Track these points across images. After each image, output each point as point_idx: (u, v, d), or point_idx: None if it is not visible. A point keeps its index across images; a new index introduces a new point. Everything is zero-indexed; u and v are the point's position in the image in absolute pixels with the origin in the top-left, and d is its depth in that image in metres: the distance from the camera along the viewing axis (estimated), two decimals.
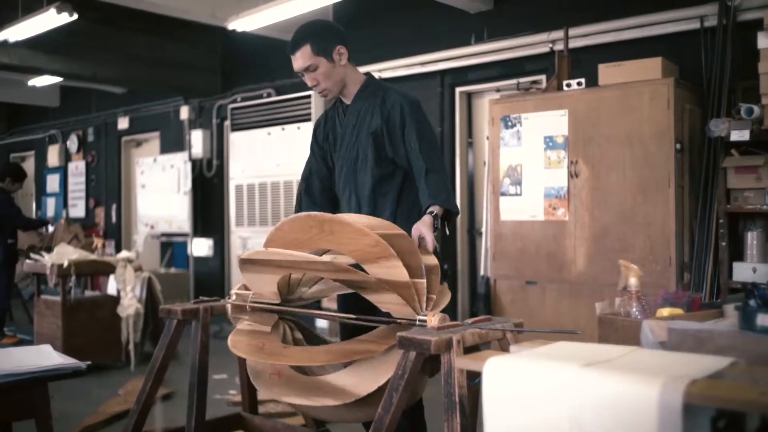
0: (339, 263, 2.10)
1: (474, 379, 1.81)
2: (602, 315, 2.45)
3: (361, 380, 2.05)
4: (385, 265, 2.03)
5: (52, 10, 6.06)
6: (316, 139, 3.18)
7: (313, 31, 2.91)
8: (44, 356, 2.33)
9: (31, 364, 2.22)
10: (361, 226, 2.09)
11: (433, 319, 1.93)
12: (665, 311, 2.11)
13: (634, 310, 2.35)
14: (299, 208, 3.05)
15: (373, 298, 2.08)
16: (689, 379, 1.22)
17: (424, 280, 2.08)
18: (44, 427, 2.23)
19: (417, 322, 2.01)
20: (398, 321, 2.07)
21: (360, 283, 2.05)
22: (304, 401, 2.11)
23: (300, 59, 2.88)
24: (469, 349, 1.90)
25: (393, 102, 2.90)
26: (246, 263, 2.24)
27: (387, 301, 2.06)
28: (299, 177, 7.42)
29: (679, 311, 2.10)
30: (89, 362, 2.38)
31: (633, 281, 2.40)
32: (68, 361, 2.29)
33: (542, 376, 1.36)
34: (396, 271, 2.03)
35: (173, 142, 9.23)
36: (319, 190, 3.09)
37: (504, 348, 1.96)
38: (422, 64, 6.63)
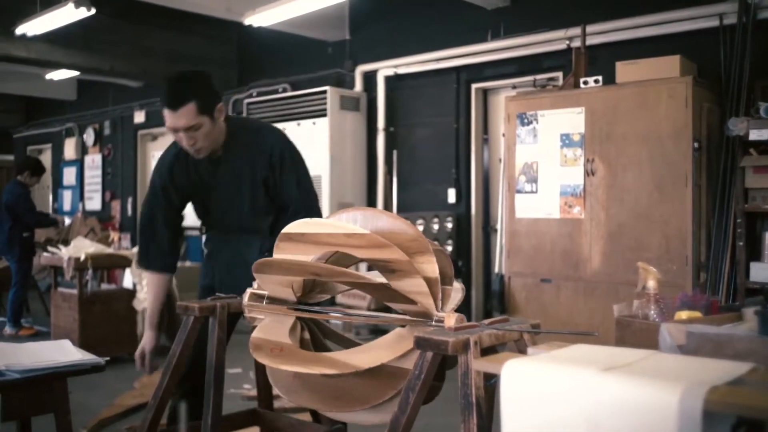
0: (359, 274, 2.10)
1: (490, 379, 1.81)
2: (620, 317, 2.44)
3: (365, 357, 2.07)
4: (420, 260, 2.04)
5: (70, 5, 6.09)
6: (172, 179, 2.95)
7: (197, 89, 2.70)
8: (63, 351, 2.35)
9: (50, 359, 2.24)
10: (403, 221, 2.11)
11: (451, 319, 1.93)
12: (683, 314, 2.10)
13: (652, 312, 2.34)
14: (145, 255, 3.00)
15: (398, 284, 2.06)
16: (709, 385, 1.21)
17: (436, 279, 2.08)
18: (63, 422, 2.25)
19: (434, 322, 2.01)
20: (413, 320, 2.07)
21: (390, 266, 2.04)
22: (303, 369, 2.12)
23: (183, 118, 2.65)
24: (486, 350, 1.90)
25: (272, 146, 2.88)
26: (263, 266, 2.25)
27: (411, 290, 2.05)
28: (315, 172, 7.46)
29: (697, 314, 2.09)
30: (108, 358, 2.40)
31: (651, 284, 2.39)
32: (87, 357, 2.31)
33: (561, 379, 1.36)
34: (430, 266, 2.03)
35: None
36: (165, 234, 3.00)
37: (521, 349, 1.95)
38: (438, 60, 6.62)
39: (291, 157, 2.93)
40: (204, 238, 3.21)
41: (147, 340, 2.97)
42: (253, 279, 2.72)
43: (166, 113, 2.68)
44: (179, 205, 3.03)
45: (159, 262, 3.00)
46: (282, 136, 3.01)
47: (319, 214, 2.92)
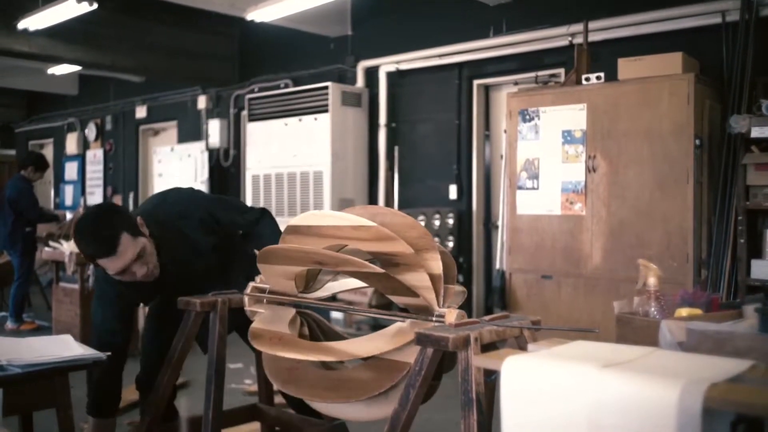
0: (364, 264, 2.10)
1: (490, 375, 1.81)
2: (620, 314, 2.45)
3: (363, 346, 2.08)
4: (425, 256, 2.05)
5: (72, 0, 6.09)
6: (120, 297, 2.79)
7: (115, 221, 2.52)
8: (65, 346, 2.36)
9: (52, 354, 2.25)
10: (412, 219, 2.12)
11: (452, 315, 1.94)
12: (684, 311, 2.11)
13: (653, 309, 2.34)
14: (99, 403, 2.77)
15: (402, 278, 2.07)
16: (709, 382, 1.22)
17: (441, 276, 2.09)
18: (64, 417, 2.26)
19: (434, 319, 2.02)
20: (414, 317, 2.08)
21: (395, 259, 2.04)
22: (301, 356, 2.13)
23: (129, 251, 2.49)
24: (486, 347, 1.91)
25: (197, 223, 2.77)
26: (267, 255, 2.26)
27: (415, 283, 2.05)
28: (316, 168, 7.36)
29: (697, 311, 2.10)
30: (109, 353, 2.40)
31: (652, 281, 2.39)
32: (89, 352, 2.32)
33: (561, 376, 1.36)
34: (434, 263, 2.04)
35: (190, 132, 9.27)
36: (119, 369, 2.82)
37: (521, 346, 1.96)
38: (440, 56, 6.61)
39: (217, 208, 2.85)
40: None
41: None
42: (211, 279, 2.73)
43: (107, 262, 2.50)
44: (129, 313, 2.90)
45: (114, 406, 2.82)
46: (194, 199, 2.89)
47: (271, 217, 2.93)
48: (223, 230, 2.86)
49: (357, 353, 2.06)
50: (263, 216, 2.92)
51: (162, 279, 2.71)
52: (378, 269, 2.03)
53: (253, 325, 2.35)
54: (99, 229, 2.50)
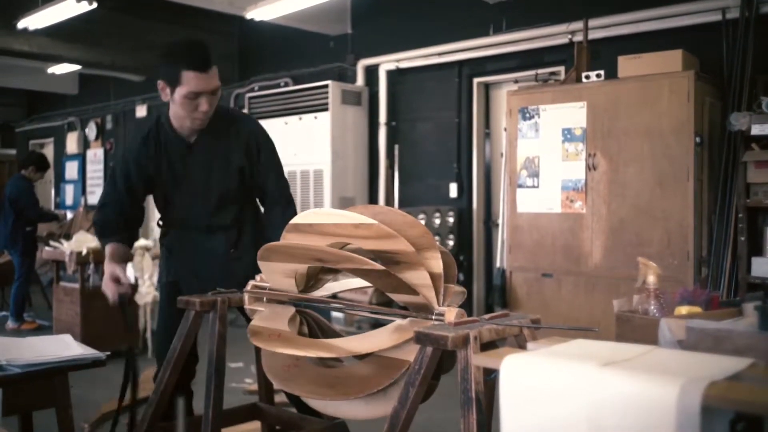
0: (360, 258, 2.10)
1: (490, 374, 1.81)
2: (620, 312, 2.44)
3: (362, 343, 2.08)
4: (426, 255, 2.05)
5: None
6: (139, 161, 2.90)
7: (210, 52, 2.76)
8: (64, 346, 2.36)
9: (51, 354, 2.24)
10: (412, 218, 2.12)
11: (451, 314, 1.94)
12: (683, 309, 2.10)
13: (652, 307, 2.34)
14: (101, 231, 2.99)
15: (403, 275, 2.07)
16: (708, 381, 1.21)
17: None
18: (64, 416, 2.26)
19: (434, 317, 2.01)
20: (414, 315, 2.07)
21: (396, 257, 2.04)
22: (299, 352, 2.12)
23: (213, 79, 2.72)
24: (486, 345, 1.90)
25: (249, 135, 2.91)
26: (267, 252, 2.25)
27: (415, 282, 2.05)
28: (316, 167, 7.37)
29: (697, 309, 2.09)
30: (109, 352, 2.40)
31: (651, 279, 2.39)
32: (88, 352, 2.32)
33: (560, 375, 1.36)
34: (435, 262, 2.04)
35: None
36: (117, 220, 2.97)
37: (521, 344, 1.95)
38: (440, 54, 6.61)
39: (268, 148, 2.96)
40: (160, 233, 3.14)
41: (106, 270, 2.89)
42: (222, 276, 2.75)
43: (192, 76, 2.65)
44: (141, 192, 2.97)
45: (115, 236, 2.96)
46: (259, 127, 3.02)
47: (294, 205, 2.98)
48: (250, 183, 2.91)
49: (355, 350, 2.06)
50: (289, 206, 2.94)
51: (175, 165, 2.84)
52: (379, 266, 2.03)
53: (253, 322, 2.35)
54: (199, 46, 2.71)
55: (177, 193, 2.93)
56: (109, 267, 2.88)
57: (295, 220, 2.24)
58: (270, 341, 2.21)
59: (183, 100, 2.70)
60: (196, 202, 2.92)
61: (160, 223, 3.10)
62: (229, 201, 2.93)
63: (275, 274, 2.34)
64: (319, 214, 2.20)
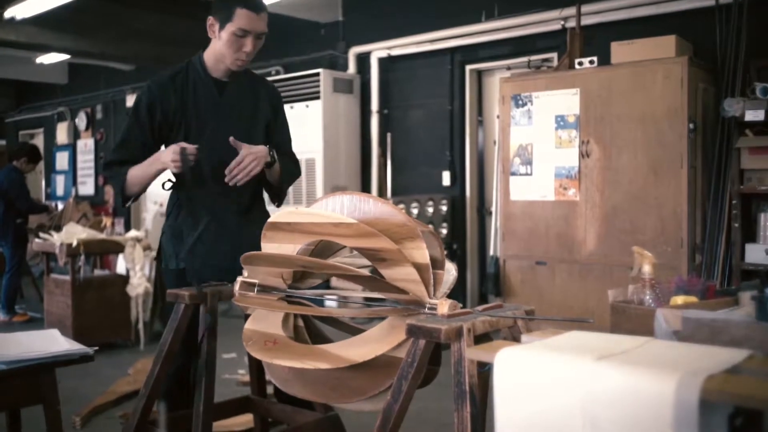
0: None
1: (484, 366, 1.78)
2: (615, 303, 2.42)
3: (359, 350, 2.05)
4: (409, 246, 2.01)
5: None
6: (162, 101, 2.77)
7: None
8: (52, 341, 2.32)
9: (38, 349, 2.20)
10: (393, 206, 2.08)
11: (444, 306, 1.91)
12: (679, 299, 2.08)
13: (648, 298, 2.32)
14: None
15: (389, 272, 2.04)
16: (706, 374, 1.19)
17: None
18: (52, 413, 2.22)
19: (426, 309, 1.98)
20: (407, 307, 2.05)
21: (380, 254, 2.01)
22: (296, 363, 2.09)
23: (263, 22, 2.76)
24: (480, 337, 1.88)
25: (272, 90, 3.02)
26: (251, 259, 2.22)
27: (402, 278, 2.02)
28: (308, 155, 7.31)
29: (693, 299, 2.07)
30: (97, 347, 2.37)
31: (647, 268, 2.36)
32: (76, 347, 2.28)
33: (555, 368, 1.33)
34: (419, 252, 2.00)
35: None
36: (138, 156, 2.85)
37: (515, 336, 1.93)
38: (432, 41, 6.56)
39: (283, 110, 3.07)
40: (167, 210, 2.99)
41: (167, 151, 2.72)
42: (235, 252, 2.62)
43: (245, 14, 2.69)
44: (164, 129, 2.80)
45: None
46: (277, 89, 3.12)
47: (297, 163, 3.12)
48: (270, 140, 2.93)
49: (354, 359, 2.03)
50: (297, 167, 3.10)
51: (202, 106, 2.81)
52: (364, 273, 2.00)
53: (246, 326, 2.31)
54: None
55: (201, 140, 2.74)
56: (169, 149, 2.71)
57: (273, 219, 2.19)
58: (266, 350, 2.17)
59: (231, 37, 2.73)
60: (219, 154, 2.72)
61: (169, 183, 2.89)
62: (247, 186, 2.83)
63: (260, 274, 2.31)
64: (298, 214, 2.14)
